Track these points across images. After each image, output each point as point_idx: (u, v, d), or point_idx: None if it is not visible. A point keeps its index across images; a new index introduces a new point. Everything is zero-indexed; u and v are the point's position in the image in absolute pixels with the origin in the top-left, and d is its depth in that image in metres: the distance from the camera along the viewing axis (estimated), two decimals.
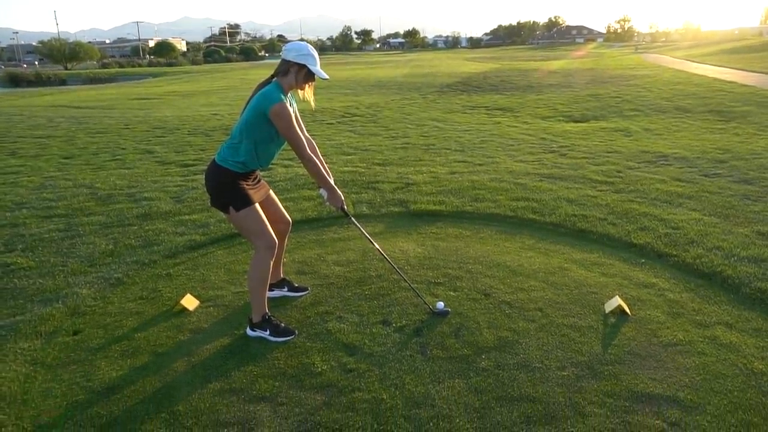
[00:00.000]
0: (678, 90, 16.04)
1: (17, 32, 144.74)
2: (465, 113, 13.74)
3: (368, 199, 5.89)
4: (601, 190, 6.09)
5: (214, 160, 3.11)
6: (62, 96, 23.51)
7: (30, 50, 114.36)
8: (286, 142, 3.12)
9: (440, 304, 3.44)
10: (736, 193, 5.83)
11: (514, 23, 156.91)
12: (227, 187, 3.07)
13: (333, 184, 3.20)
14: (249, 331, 3.21)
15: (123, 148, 9.32)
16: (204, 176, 3.19)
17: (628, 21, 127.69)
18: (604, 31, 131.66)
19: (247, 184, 3.13)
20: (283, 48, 3.13)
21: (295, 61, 3.02)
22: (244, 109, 3.08)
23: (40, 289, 3.87)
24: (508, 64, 33.34)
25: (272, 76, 3.10)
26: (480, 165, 7.53)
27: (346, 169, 7.41)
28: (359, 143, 9.61)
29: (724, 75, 20.41)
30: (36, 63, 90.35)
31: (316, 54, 3.10)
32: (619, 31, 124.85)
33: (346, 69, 38.02)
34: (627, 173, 6.89)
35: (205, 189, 3.18)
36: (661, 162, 7.52)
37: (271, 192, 3.40)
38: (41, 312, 3.50)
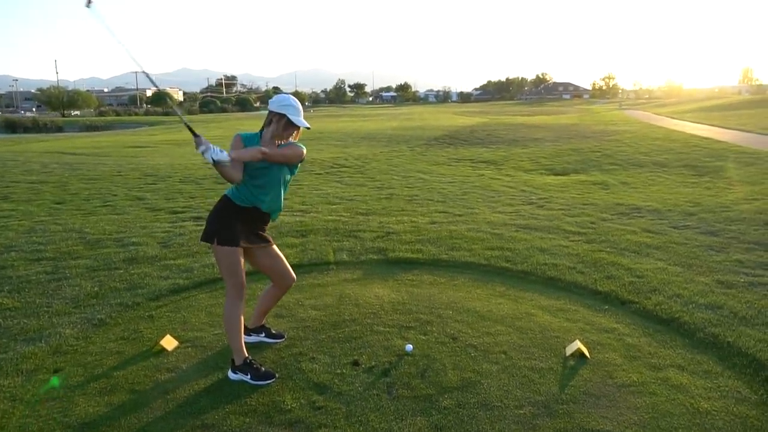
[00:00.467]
0: (656, 145, 16.63)
1: (17, 79, 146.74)
2: (450, 165, 14.15)
3: (349, 246, 6.09)
4: (573, 240, 6.34)
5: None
6: (58, 143, 23.88)
7: (29, 97, 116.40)
8: (284, 182, 3.43)
9: (408, 347, 3.61)
10: (701, 244, 6.10)
11: (503, 79, 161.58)
12: (221, 215, 3.30)
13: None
14: (231, 374, 3.33)
15: (114, 195, 9.54)
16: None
17: (613, 78, 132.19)
18: (590, 88, 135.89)
19: (243, 226, 3.31)
20: (269, 100, 3.39)
21: (276, 111, 3.28)
22: None
23: (24, 328, 4.00)
24: (496, 119, 34.32)
25: (262, 128, 3.38)
26: (460, 216, 7.79)
27: (330, 218, 7.64)
28: (345, 193, 9.89)
29: (701, 131, 21.19)
30: (34, 110, 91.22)
31: (298, 105, 3.33)
32: (604, 87, 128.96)
33: (337, 121, 38.95)
34: (600, 224, 7.17)
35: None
36: (634, 214, 7.83)
37: (275, 248, 3.56)
38: (23, 350, 3.62)
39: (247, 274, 3.51)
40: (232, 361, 3.33)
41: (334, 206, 8.68)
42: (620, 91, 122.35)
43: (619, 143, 17.54)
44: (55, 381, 3.27)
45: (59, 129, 48.44)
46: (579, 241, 6.33)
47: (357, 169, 13.30)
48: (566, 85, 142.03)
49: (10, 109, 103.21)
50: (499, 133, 22.03)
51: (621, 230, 6.81)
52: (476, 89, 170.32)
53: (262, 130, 3.37)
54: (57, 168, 13.15)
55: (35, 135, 34.47)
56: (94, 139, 26.09)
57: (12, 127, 51.81)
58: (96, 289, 4.81)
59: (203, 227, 3.38)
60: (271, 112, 3.31)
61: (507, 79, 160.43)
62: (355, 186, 10.79)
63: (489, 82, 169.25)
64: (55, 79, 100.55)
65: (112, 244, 6.29)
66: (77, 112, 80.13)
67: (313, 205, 8.87)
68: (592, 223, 7.27)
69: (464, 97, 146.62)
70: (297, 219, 7.52)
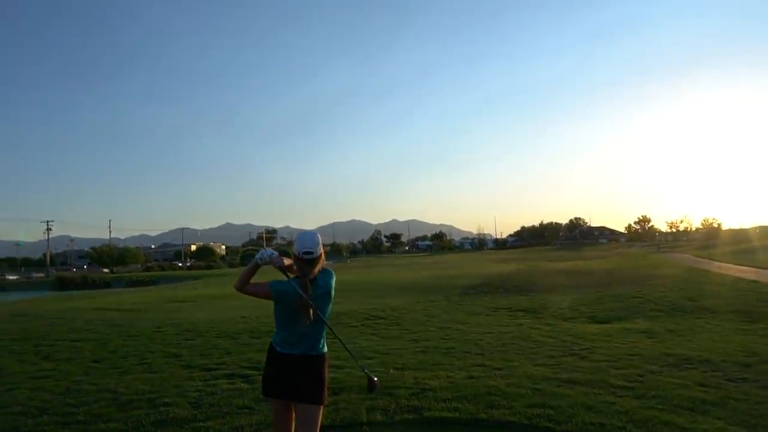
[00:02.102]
0: (701, 289, 16.13)
1: (73, 239, 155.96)
2: (488, 315, 13.91)
3: (383, 405, 5.86)
4: (620, 396, 5.96)
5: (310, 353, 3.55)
6: (104, 299, 24.71)
7: (82, 255, 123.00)
8: (297, 314, 3.47)
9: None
10: (764, 400, 5.63)
11: (537, 224, 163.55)
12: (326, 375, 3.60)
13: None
14: None
15: (151, 351, 9.62)
16: (297, 368, 3.54)
17: (648, 221, 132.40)
18: (625, 231, 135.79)
19: (275, 373, 3.57)
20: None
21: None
22: None
23: None
24: (533, 265, 34.25)
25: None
26: (498, 369, 7.50)
27: (363, 374, 7.43)
28: (380, 346, 9.73)
29: (747, 274, 20.56)
30: (85, 267, 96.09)
31: (303, 239, 3.51)
32: (639, 231, 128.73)
33: (374, 271, 39.50)
34: (649, 377, 6.76)
35: (296, 382, 3.51)
36: (685, 365, 7.39)
37: (312, 412, 3.61)
38: None
39: None
40: None
41: (368, 360, 8.50)
42: (657, 233, 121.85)
43: (662, 288, 17.10)
44: None
45: (107, 285, 50.42)
46: (627, 396, 5.95)
47: (393, 321, 13.18)
48: (602, 230, 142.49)
49: (64, 266, 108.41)
50: (536, 280, 21.88)
51: (672, 384, 6.39)
52: (511, 236, 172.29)
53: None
54: (100, 325, 13.49)
55: (84, 291, 35.80)
56: (138, 295, 26.95)
57: (63, 284, 54.21)
58: None
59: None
60: None
61: (541, 224, 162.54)
62: (391, 339, 10.63)
63: (523, 228, 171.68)
64: (108, 237, 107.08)
65: (144, 404, 6.21)
66: (126, 268, 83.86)
67: (347, 359, 8.69)
68: (640, 375, 6.87)
69: (500, 244, 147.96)
70: (330, 375, 7.34)
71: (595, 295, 16.35)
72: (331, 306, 3.66)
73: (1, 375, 8.07)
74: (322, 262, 3.63)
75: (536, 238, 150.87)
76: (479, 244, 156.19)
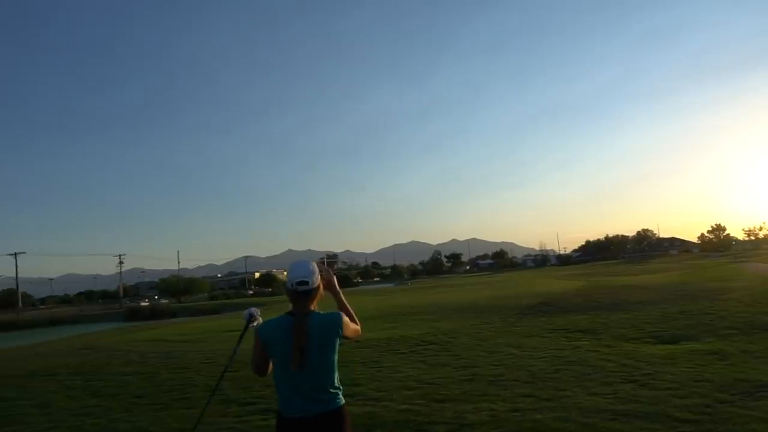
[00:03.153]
0: None
1: (144, 271, 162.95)
2: (543, 337, 13.15)
3: None
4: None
5: (329, 408, 2.99)
6: (164, 330, 25.34)
7: (152, 286, 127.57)
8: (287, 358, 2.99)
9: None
10: None
11: (603, 238, 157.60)
12: None
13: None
14: None
15: (195, 385, 9.58)
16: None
17: (724, 230, 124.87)
18: (698, 241, 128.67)
19: None
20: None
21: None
22: None
23: None
24: (596, 281, 32.67)
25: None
26: (547, 400, 6.93)
27: (402, 407, 7.06)
28: (426, 375, 9.31)
29: None
30: (156, 297, 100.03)
31: (296, 268, 3.11)
32: (714, 240, 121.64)
33: (432, 293, 38.84)
34: (718, 408, 6.03)
35: None
36: (761, 393, 6.58)
37: None
38: None
39: None
40: None
41: (411, 392, 8.12)
42: (733, 242, 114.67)
43: (737, 303, 15.75)
44: None
45: (173, 314, 52.00)
46: None
47: (443, 346, 12.66)
48: (672, 240, 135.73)
49: (136, 297, 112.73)
50: (598, 297, 20.69)
51: (746, 416, 5.65)
52: (575, 251, 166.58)
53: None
54: (153, 357, 13.69)
55: (149, 322, 36.89)
56: (198, 324, 27.48)
57: (133, 315, 56.48)
58: None
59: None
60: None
61: (606, 237, 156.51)
62: (438, 366, 10.17)
63: (588, 242, 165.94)
64: (176, 268, 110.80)
65: None
66: (193, 297, 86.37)
67: (388, 391, 8.35)
68: (707, 406, 6.14)
69: (563, 260, 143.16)
70: (367, 410, 7.01)
71: (661, 312, 15.22)
72: (335, 354, 3.07)
73: (47, 411, 8.21)
74: (320, 297, 3.18)
75: (602, 252, 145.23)
76: (542, 261, 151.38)
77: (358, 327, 3.23)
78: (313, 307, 3.11)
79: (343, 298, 3.28)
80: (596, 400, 6.78)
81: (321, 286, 3.17)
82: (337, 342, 3.05)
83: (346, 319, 3.09)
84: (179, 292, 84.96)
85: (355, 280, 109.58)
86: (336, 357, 3.04)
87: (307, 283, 3.04)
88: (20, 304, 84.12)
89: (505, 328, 15.28)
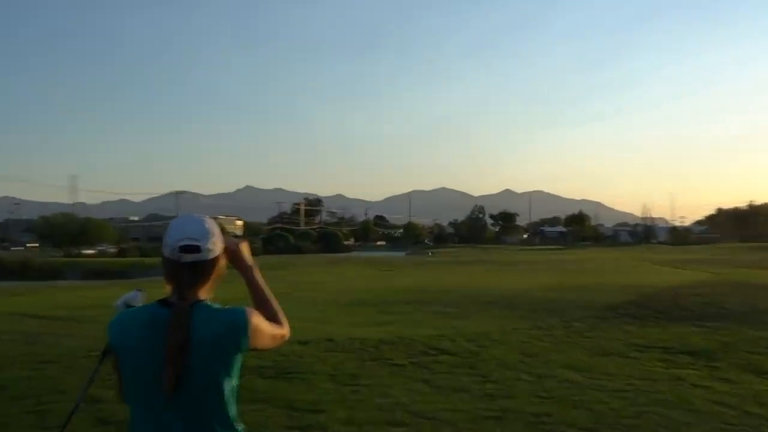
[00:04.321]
0: None
1: (18, 203, 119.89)
2: (627, 357, 9.10)
3: None
4: None
5: None
6: (36, 297, 19.64)
7: (28, 227, 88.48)
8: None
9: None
10: None
11: (744, 206, 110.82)
12: None
13: None
14: None
15: (61, 392, 6.43)
16: None
17: None
18: None
19: None
20: None
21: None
22: None
23: None
24: (723, 274, 24.03)
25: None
26: None
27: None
28: (427, 406, 6.11)
29: None
30: (36, 245, 72.00)
31: (181, 225, 1.83)
32: None
33: (460, 272, 28.95)
34: None
35: None
36: None
37: None
38: None
39: None
40: None
41: (397, 430, 5.22)
42: None
43: None
44: None
45: (56, 274, 35.81)
46: None
47: (464, 359, 8.95)
48: None
49: (4, 243, 78.68)
50: (724, 299, 15.21)
51: None
52: (699, 222, 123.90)
53: None
54: (7, 339, 10.03)
55: (14, 283, 26.36)
56: (91, 293, 20.15)
57: None
58: None
59: None
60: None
61: (750, 205, 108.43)
62: (450, 392, 6.78)
63: (719, 210, 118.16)
64: (69, 201, 77.28)
65: None
66: (91, 250, 60.48)
67: (361, 427, 5.31)
68: None
69: (678, 236, 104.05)
70: None
71: None
72: (232, 376, 1.77)
73: None
74: (219, 278, 1.88)
75: (740, 227, 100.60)
76: (644, 234, 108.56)
77: (280, 331, 1.94)
78: (205, 294, 1.83)
79: (261, 282, 1.98)
80: None
81: (222, 259, 1.89)
82: (237, 357, 1.80)
83: (256, 320, 1.83)
84: (68, 239, 59.10)
85: (345, 242, 78.93)
86: (234, 381, 1.82)
87: (198, 248, 1.78)
88: None
89: (568, 338, 10.84)
